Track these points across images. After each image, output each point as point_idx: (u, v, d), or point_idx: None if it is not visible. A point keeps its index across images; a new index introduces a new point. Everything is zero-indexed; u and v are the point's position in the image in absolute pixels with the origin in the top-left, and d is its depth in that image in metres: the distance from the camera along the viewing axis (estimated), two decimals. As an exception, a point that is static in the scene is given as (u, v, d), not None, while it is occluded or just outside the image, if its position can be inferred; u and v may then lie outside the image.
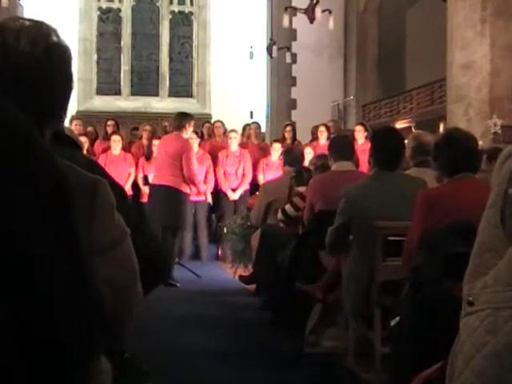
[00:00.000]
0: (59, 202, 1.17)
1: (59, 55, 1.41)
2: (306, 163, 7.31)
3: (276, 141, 10.13)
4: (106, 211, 1.42)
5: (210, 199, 9.54)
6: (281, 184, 6.59)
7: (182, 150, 7.58)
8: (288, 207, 5.99)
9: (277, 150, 9.53)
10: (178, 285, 7.50)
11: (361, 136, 9.30)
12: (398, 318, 3.20)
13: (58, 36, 1.42)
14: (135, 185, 9.57)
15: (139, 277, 1.52)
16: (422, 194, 3.55)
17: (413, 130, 10.92)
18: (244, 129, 11.34)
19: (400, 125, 11.90)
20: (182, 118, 7.75)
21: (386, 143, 4.29)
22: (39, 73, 1.36)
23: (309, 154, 8.47)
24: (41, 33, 1.39)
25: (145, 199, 8.87)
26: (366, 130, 9.51)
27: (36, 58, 1.36)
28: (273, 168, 9.48)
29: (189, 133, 7.79)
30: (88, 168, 1.53)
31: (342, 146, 5.28)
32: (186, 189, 7.71)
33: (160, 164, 7.75)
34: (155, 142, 9.16)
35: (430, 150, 3.89)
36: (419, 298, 2.94)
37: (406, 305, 3.09)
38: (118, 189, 1.79)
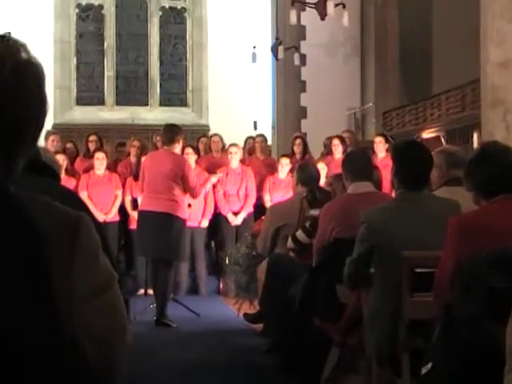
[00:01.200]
0: (28, 248, 1.17)
1: (29, 74, 1.40)
2: (322, 182, 7.27)
3: (284, 156, 10.14)
4: (89, 253, 1.41)
5: (205, 224, 9.55)
6: (291, 206, 6.56)
7: (179, 168, 7.57)
8: (299, 233, 5.97)
9: (285, 167, 9.54)
10: (174, 325, 7.50)
11: (381, 148, 9.32)
12: (429, 365, 3.17)
13: (27, 52, 1.41)
14: (122, 209, 9.56)
15: (127, 327, 1.52)
16: (455, 219, 3.53)
17: (442, 140, 10.90)
18: (246, 142, 11.33)
19: (427, 134, 11.88)
20: (175, 131, 7.75)
21: (409, 159, 4.28)
22: (6, 95, 1.35)
23: (322, 171, 8.43)
24: (7, 49, 1.38)
25: (134, 226, 8.85)
26: (387, 141, 9.52)
27: (2, 79, 1.35)
28: (281, 187, 9.48)
29: (178, 148, 7.79)
30: (67, 201, 1.52)
31: (358, 163, 5.22)
32: (183, 214, 7.68)
33: (152, 186, 7.64)
34: (145, 160, 9.17)
35: (463, 161, 3.87)
36: (456, 343, 2.91)
37: (440, 349, 3.06)
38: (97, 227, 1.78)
